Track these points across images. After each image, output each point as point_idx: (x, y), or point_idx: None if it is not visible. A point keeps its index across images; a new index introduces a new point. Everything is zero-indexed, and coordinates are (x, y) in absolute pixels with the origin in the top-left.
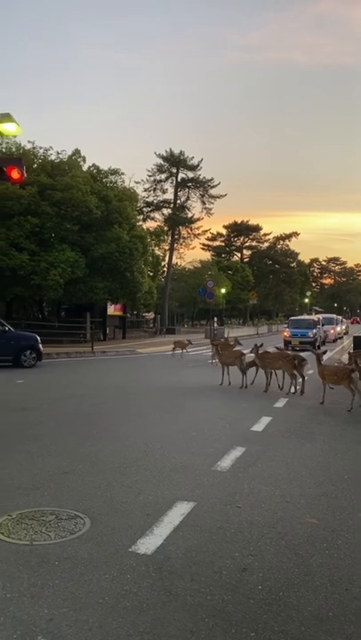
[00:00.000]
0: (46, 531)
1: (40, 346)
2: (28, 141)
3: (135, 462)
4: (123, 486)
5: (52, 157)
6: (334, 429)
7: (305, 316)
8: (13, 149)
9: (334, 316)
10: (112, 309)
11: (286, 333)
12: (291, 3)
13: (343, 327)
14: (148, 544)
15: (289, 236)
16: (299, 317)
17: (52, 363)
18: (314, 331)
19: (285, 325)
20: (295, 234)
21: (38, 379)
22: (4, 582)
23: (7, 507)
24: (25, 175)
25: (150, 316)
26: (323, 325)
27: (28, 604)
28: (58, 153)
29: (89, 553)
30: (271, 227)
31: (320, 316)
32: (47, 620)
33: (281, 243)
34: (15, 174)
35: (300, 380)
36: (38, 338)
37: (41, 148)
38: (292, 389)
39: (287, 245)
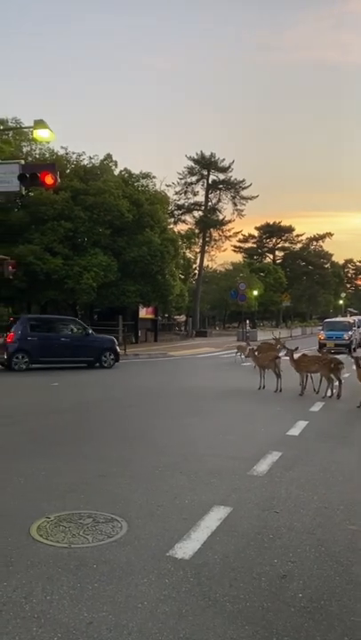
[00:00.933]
0: (84, 534)
1: (117, 347)
2: (61, 147)
3: (170, 466)
4: (158, 490)
5: (85, 162)
6: None
7: (340, 318)
8: (47, 155)
9: None
10: (144, 312)
11: (321, 336)
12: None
13: None
14: (186, 548)
15: (323, 237)
16: (334, 319)
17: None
18: (349, 333)
19: (320, 328)
20: (329, 234)
21: (73, 381)
22: (44, 584)
23: (45, 509)
24: (58, 180)
25: (182, 318)
26: (358, 327)
27: (68, 606)
28: (90, 158)
29: (127, 557)
30: (304, 227)
31: (355, 318)
32: (87, 624)
33: (314, 244)
34: (49, 180)
35: (337, 383)
36: (115, 340)
37: (74, 153)
38: (329, 393)
39: (321, 246)
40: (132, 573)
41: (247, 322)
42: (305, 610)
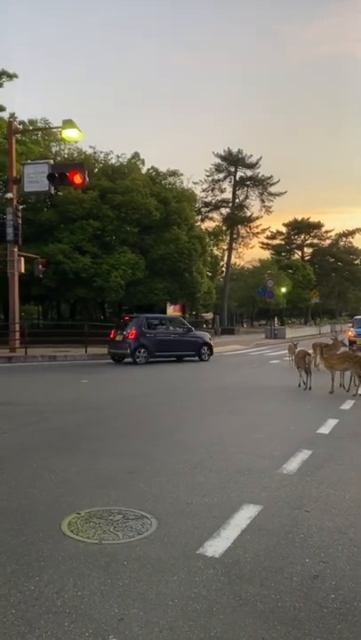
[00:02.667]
0: (114, 530)
1: (211, 343)
2: (90, 146)
3: (199, 463)
4: (188, 487)
5: (113, 161)
6: None
7: None
8: (75, 155)
9: None
10: (171, 310)
11: (351, 333)
12: None
13: None
14: (216, 547)
15: (352, 233)
16: None
17: (114, 363)
18: None
19: (350, 325)
20: (358, 230)
21: (100, 378)
22: (75, 580)
23: (76, 505)
24: (87, 180)
25: (209, 316)
26: None
27: (99, 602)
28: (118, 157)
29: (157, 554)
30: (333, 223)
31: None
32: (118, 620)
33: (344, 240)
34: (78, 179)
35: None
36: (210, 336)
37: (101, 152)
38: (359, 391)
39: (350, 242)
40: (163, 570)
41: (275, 319)
42: (338, 611)
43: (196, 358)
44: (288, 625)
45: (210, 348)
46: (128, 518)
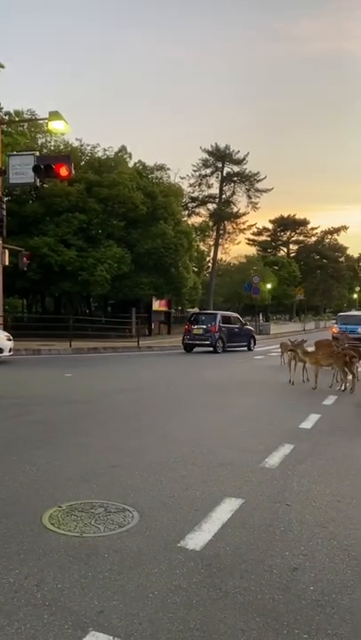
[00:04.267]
0: (95, 523)
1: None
2: (76, 139)
3: (182, 457)
4: (170, 481)
5: (99, 154)
6: None
7: (355, 312)
8: (62, 147)
9: None
10: (157, 305)
11: (335, 329)
12: None
13: None
14: (197, 540)
15: (337, 230)
16: (348, 313)
17: (99, 356)
18: None
19: (333, 321)
20: (344, 228)
21: (85, 372)
22: (55, 573)
23: (57, 498)
24: (73, 172)
25: (195, 311)
26: None
27: (79, 595)
28: (104, 150)
29: (138, 547)
30: (319, 221)
31: None
32: (97, 612)
33: (329, 237)
34: (63, 171)
35: (350, 377)
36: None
37: (88, 145)
38: (342, 387)
39: (335, 240)
40: (143, 563)
41: (260, 315)
42: (316, 603)
43: (211, 349)
44: (267, 617)
45: (255, 339)
46: (110, 511)
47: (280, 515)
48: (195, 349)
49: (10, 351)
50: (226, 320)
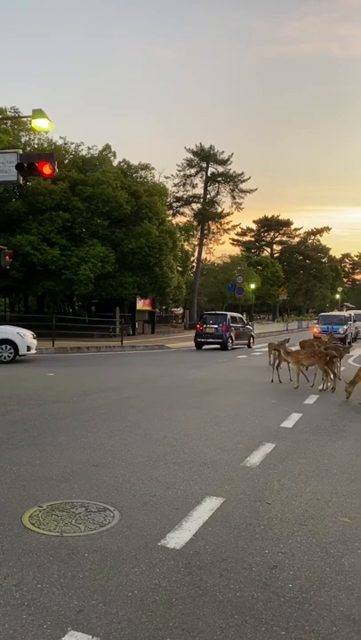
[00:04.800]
0: (76, 523)
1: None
2: (60, 137)
3: (164, 456)
4: (152, 480)
5: (83, 153)
6: None
7: (335, 312)
8: (45, 145)
9: None
10: (141, 304)
11: (316, 329)
12: None
13: None
14: (178, 538)
15: (320, 231)
16: (329, 313)
17: (83, 356)
18: (344, 327)
19: (316, 321)
20: (327, 229)
21: (67, 372)
22: (35, 573)
23: (38, 498)
24: (56, 170)
25: (179, 311)
26: (354, 322)
27: (58, 594)
28: (89, 148)
29: (118, 546)
30: (302, 221)
31: (352, 313)
32: (77, 612)
33: (312, 238)
34: (47, 169)
35: (332, 376)
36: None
37: (72, 143)
38: (324, 386)
39: (318, 240)
40: (124, 562)
41: (244, 315)
42: (294, 600)
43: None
44: (246, 614)
45: (253, 338)
46: (90, 511)
47: (260, 513)
48: (191, 349)
49: (34, 349)
50: (233, 320)
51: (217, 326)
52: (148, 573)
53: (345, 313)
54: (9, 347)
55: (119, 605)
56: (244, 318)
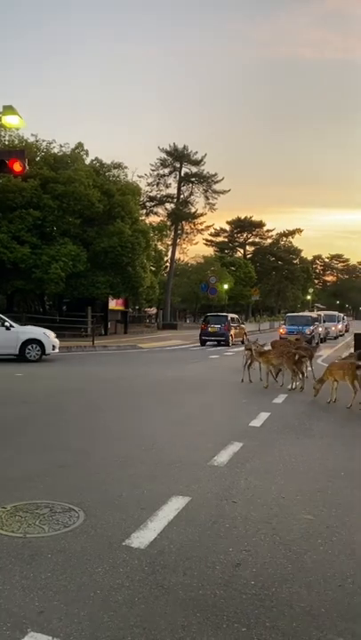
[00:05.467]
0: (40, 524)
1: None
2: (31, 134)
3: (132, 456)
4: (118, 480)
5: (55, 150)
6: (332, 426)
7: (303, 313)
8: (16, 142)
9: (336, 313)
10: (114, 304)
11: (282, 330)
12: None
13: (345, 325)
14: (142, 538)
15: (292, 233)
16: (296, 314)
17: (52, 357)
18: (311, 328)
19: (282, 322)
20: (298, 230)
21: (36, 372)
22: None
23: (2, 499)
24: (27, 168)
25: (152, 311)
26: (324, 322)
27: (20, 596)
28: (61, 146)
29: (82, 546)
30: (275, 223)
31: (322, 313)
32: (38, 613)
33: (284, 239)
34: (17, 167)
35: (301, 376)
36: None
37: (44, 141)
38: (293, 385)
39: (290, 242)
40: (87, 562)
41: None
42: (256, 597)
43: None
44: (208, 612)
45: (247, 335)
46: (55, 511)
47: (226, 512)
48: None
49: (57, 349)
50: (232, 320)
51: (219, 326)
52: (111, 573)
53: (312, 313)
54: (36, 346)
55: (81, 606)
56: (239, 318)
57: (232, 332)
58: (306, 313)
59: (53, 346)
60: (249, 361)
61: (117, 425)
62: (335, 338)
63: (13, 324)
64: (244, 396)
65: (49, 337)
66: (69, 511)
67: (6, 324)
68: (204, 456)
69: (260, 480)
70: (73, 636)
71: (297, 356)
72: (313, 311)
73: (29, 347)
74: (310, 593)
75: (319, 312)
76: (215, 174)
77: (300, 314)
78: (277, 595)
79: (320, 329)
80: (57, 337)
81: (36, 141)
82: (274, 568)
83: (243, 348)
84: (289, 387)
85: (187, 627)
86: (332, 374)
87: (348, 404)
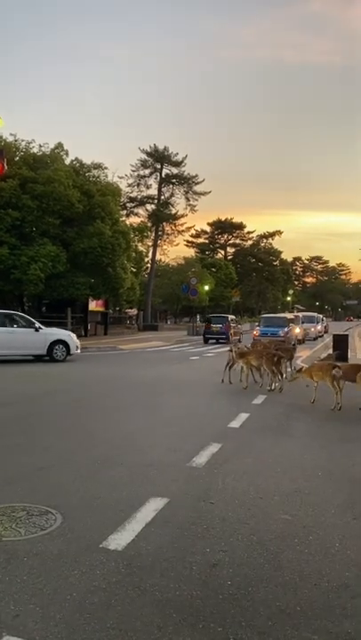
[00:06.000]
0: (16, 527)
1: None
2: (10, 134)
3: (111, 458)
4: (97, 482)
5: (35, 150)
6: (310, 427)
7: (278, 314)
8: None
9: (315, 314)
10: (94, 305)
11: (255, 332)
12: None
13: (323, 326)
14: (120, 540)
15: (272, 235)
16: (271, 315)
17: (31, 358)
18: (285, 329)
19: (256, 324)
20: (278, 232)
21: (17, 373)
22: None
23: None
24: (6, 168)
25: (133, 312)
26: (303, 323)
27: None
28: (40, 146)
29: (59, 549)
30: (255, 225)
31: (300, 315)
32: (13, 617)
33: (264, 241)
34: None
35: (280, 376)
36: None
37: (23, 140)
38: (272, 386)
39: (270, 244)
40: (63, 565)
41: (198, 316)
42: (233, 597)
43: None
44: (184, 612)
45: (241, 334)
46: (32, 514)
47: (203, 513)
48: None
49: (79, 350)
50: (231, 321)
51: (221, 325)
52: (87, 576)
53: (288, 315)
54: (62, 346)
55: (57, 609)
56: (237, 320)
57: (231, 331)
58: (281, 314)
59: (77, 346)
60: (231, 362)
61: (97, 426)
62: (314, 339)
63: (42, 326)
64: (223, 397)
65: (72, 338)
66: (46, 514)
67: (35, 325)
68: (183, 457)
69: (238, 481)
70: (49, 638)
71: (276, 357)
72: (293, 312)
73: (56, 347)
74: (286, 592)
75: (297, 313)
76: (196, 175)
77: (276, 315)
78: (254, 594)
79: (297, 330)
80: None
81: (15, 141)
82: (250, 568)
83: (227, 349)
84: (268, 387)
85: (163, 627)
86: (311, 375)
87: (331, 406)
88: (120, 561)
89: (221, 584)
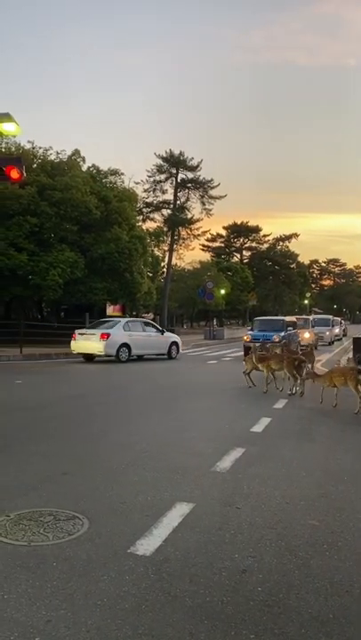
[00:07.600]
0: (44, 532)
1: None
2: (28, 141)
3: (134, 463)
4: (122, 487)
5: (52, 157)
6: (333, 430)
7: (274, 317)
8: (13, 149)
9: (330, 316)
10: (111, 310)
11: (246, 337)
12: (291, 3)
13: (341, 329)
14: (147, 545)
15: (289, 238)
16: (266, 317)
17: (51, 363)
18: (281, 334)
19: (248, 328)
20: (295, 235)
21: (36, 379)
22: (2, 583)
23: (5, 507)
24: (24, 175)
25: (150, 316)
26: (314, 327)
27: (26, 605)
28: (57, 153)
29: (87, 554)
30: (271, 228)
31: (310, 317)
32: (45, 622)
33: (281, 244)
34: (14, 174)
35: (300, 381)
36: None
37: (40, 147)
38: (293, 390)
39: (287, 247)
40: (92, 570)
41: (214, 320)
42: (264, 603)
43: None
44: (215, 619)
45: None
46: (59, 519)
47: (230, 518)
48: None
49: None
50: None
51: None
52: (117, 581)
53: (287, 317)
54: (176, 347)
55: (88, 614)
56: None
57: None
58: (278, 317)
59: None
60: (249, 370)
61: (118, 431)
62: (330, 343)
63: (165, 330)
64: (244, 401)
65: (180, 341)
66: (73, 519)
67: (161, 330)
68: (207, 462)
69: (263, 486)
70: None
71: (297, 362)
72: (310, 315)
73: (172, 348)
74: (318, 599)
75: (307, 316)
76: (211, 180)
77: (272, 317)
78: (285, 601)
79: (306, 335)
80: (55, 344)
81: (33, 148)
82: (280, 574)
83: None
84: (289, 392)
85: (195, 634)
86: (332, 380)
87: (355, 410)
88: (149, 566)
89: (252, 590)
